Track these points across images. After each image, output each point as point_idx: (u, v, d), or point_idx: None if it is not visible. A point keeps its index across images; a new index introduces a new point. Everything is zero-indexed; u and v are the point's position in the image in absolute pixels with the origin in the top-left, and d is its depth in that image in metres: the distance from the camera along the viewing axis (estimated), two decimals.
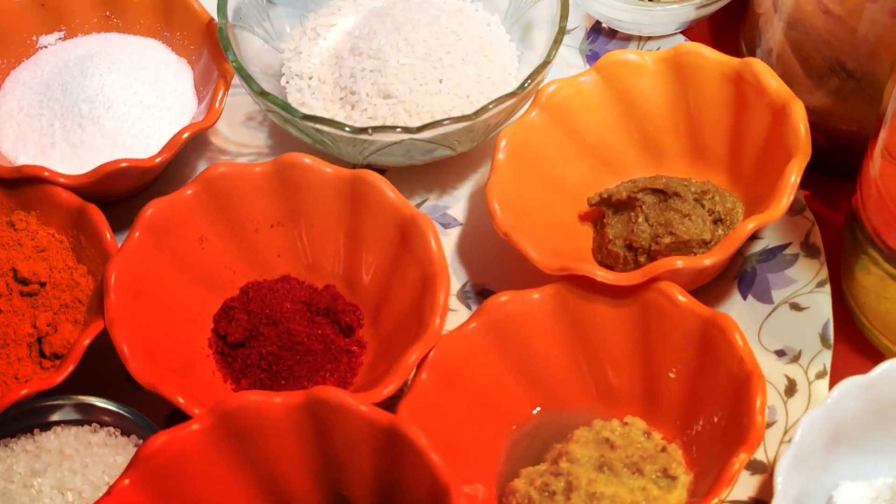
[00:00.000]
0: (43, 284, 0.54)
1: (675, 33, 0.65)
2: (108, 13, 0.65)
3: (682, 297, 0.50)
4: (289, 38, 0.65)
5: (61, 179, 0.56)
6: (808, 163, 0.57)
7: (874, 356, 0.55)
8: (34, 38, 0.64)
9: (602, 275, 0.51)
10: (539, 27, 0.62)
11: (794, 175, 0.51)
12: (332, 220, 0.56)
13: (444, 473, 0.43)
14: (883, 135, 0.50)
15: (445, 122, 0.55)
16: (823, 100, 0.58)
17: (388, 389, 0.49)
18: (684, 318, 0.50)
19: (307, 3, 0.66)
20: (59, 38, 0.64)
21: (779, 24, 0.59)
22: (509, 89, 0.60)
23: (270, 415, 0.46)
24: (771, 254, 0.57)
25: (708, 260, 0.51)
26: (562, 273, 0.52)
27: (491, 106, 0.56)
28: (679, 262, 0.51)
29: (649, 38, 0.65)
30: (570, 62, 0.65)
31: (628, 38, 0.66)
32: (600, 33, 0.66)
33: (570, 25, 0.65)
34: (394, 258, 0.54)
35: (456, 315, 0.55)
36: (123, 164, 0.56)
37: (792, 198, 0.51)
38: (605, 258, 0.57)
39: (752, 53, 0.62)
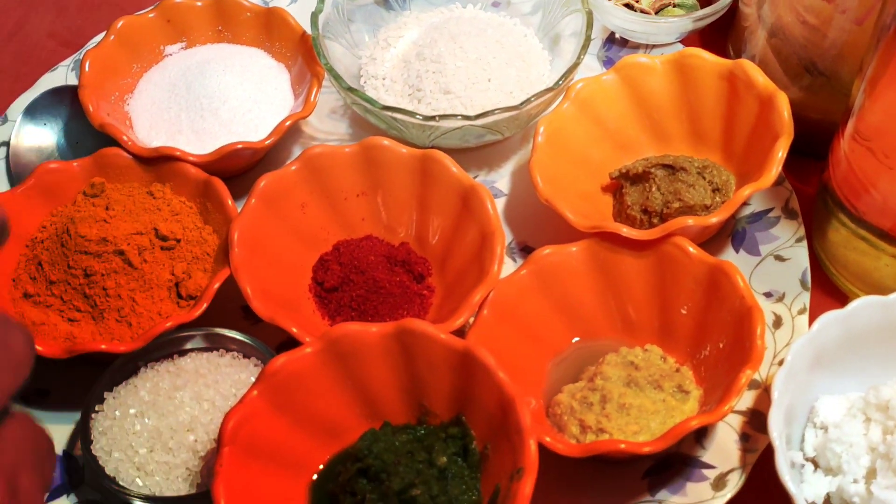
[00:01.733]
0: (178, 241, 0.53)
1: (675, 42, 0.65)
2: (220, 27, 0.64)
3: (693, 249, 0.50)
4: (365, 46, 0.64)
5: (191, 157, 0.56)
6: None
7: (841, 298, 0.55)
8: (161, 47, 0.63)
9: (628, 231, 0.51)
10: (566, 38, 0.62)
11: (781, 151, 0.51)
12: (407, 190, 0.56)
13: (510, 387, 0.43)
14: (852, 122, 0.50)
15: (497, 112, 0.55)
16: (798, 94, 0.58)
17: (459, 321, 0.49)
18: (694, 265, 0.50)
19: (378, 19, 0.66)
20: (182, 48, 0.64)
21: (762, 33, 0.58)
22: (544, 87, 0.60)
23: (367, 341, 0.46)
24: (758, 216, 0.56)
25: (714, 218, 0.50)
26: (593, 231, 0.52)
27: (533, 99, 0.55)
28: (690, 221, 0.50)
29: (654, 46, 0.65)
30: (590, 66, 0.65)
31: (637, 46, 0.65)
32: (614, 43, 0.66)
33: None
34: (457, 220, 0.54)
35: (505, 267, 0.55)
36: (239, 146, 0.56)
37: (780, 169, 0.51)
38: (625, 221, 0.56)
39: (739, 57, 0.62)
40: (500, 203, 0.60)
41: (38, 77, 0.65)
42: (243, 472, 0.43)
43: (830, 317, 0.47)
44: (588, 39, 0.58)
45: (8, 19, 0.74)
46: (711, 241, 0.56)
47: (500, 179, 0.61)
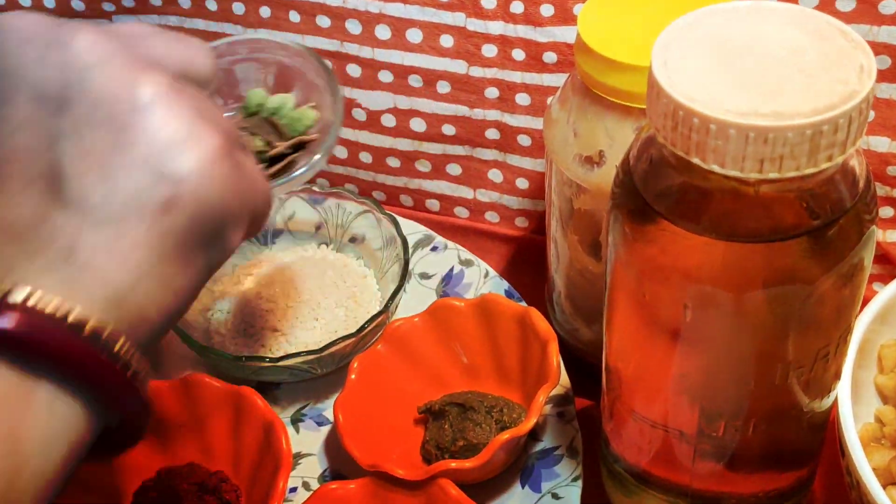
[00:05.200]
0: None
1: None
2: None
3: (454, 491, 0.53)
4: (221, 282, 0.71)
5: None
6: (591, 378, 0.61)
7: None
8: None
9: (400, 472, 0.55)
10: (394, 283, 0.67)
11: (542, 397, 0.55)
12: (222, 422, 0.60)
13: None
14: (604, 365, 0.53)
15: (301, 354, 0.60)
16: (595, 335, 0.62)
17: None
18: None
19: (241, 256, 0.72)
20: None
21: (560, 280, 0.64)
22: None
23: None
24: (545, 453, 0.60)
25: (469, 464, 0.54)
26: (374, 469, 0.56)
27: (336, 342, 0.61)
28: (453, 464, 0.54)
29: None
30: (429, 300, 0.70)
31: (469, 285, 0.71)
32: (451, 280, 0.71)
33: (431, 272, 0.71)
34: (261, 451, 0.58)
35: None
36: None
37: (537, 417, 0.55)
38: (426, 455, 0.60)
39: (551, 298, 0.67)
40: (324, 431, 0.64)
41: None
42: None
43: None
44: (397, 291, 0.64)
45: None
46: (503, 475, 0.59)
47: (328, 409, 0.65)
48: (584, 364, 0.65)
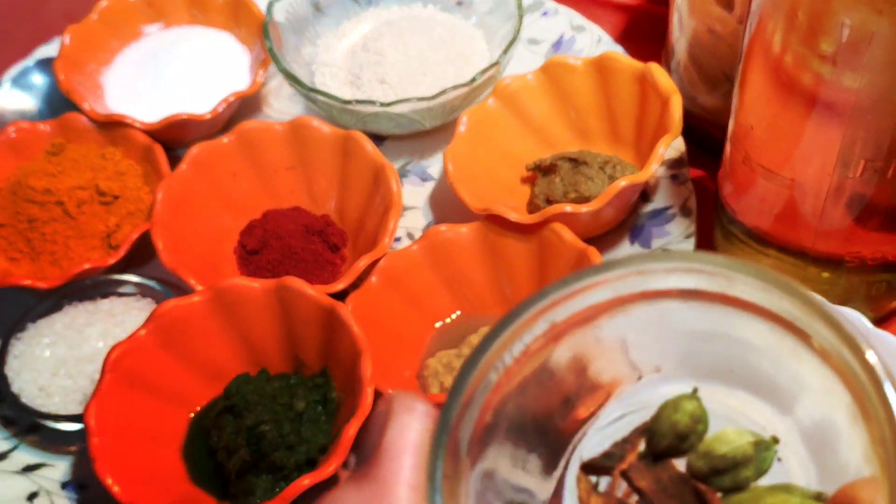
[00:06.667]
0: (117, 197, 0.59)
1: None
2: (195, 12, 0.70)
3: (567, 235, 0.53)
4: (325, 37, 0.70)
5: (138, 124, 0.62)
6: (706, 149, 0.59)
7: None
8: (141, 26, 0.70)
9: (513, 215, 0.55)
10: (504, 43, 0.65)
11: (662, 147, 0.54)
12: (330, 166, 0.60)
13: (362, 342, 0.47)
14: (730, 126, 0.52)
15: (412, 101, 0.59)
16: (717, 101, 0.61)
17: (340, 285, 0.53)
18: (567, 249, 0.53)
19: (343, 16, 0.71)
20: (159, 28, 0.70)
21: (683, 43, 0.61)
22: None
23: (250, 294, 0.51)
24: (657, 213, 0.59)
25: (585, 208, 0.54)
26: (485, 213, 0.56)
27: (447, 91, 0.60)
28: (568, 208, 0.54)
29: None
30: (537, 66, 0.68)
31: (581, 51, 0.69)
32: (561, 46, 0.69)
33: (540, 38, 0.69)
34: (369, 196, 0.58)
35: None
36: (184, 117, 0.62)
37: (658, 165, 0.54)
38: (533, 210, 0.60)
39: (668, 65, 0.65)
40: (428, 187, 0.64)
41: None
42: (122, 398, 0.49)
43: None
44: (512, 43, 0.62)
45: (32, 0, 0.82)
46: (611, 232, 0.59)
47: (433, 165, 0.65)
48: (698, 134, 0.63)
